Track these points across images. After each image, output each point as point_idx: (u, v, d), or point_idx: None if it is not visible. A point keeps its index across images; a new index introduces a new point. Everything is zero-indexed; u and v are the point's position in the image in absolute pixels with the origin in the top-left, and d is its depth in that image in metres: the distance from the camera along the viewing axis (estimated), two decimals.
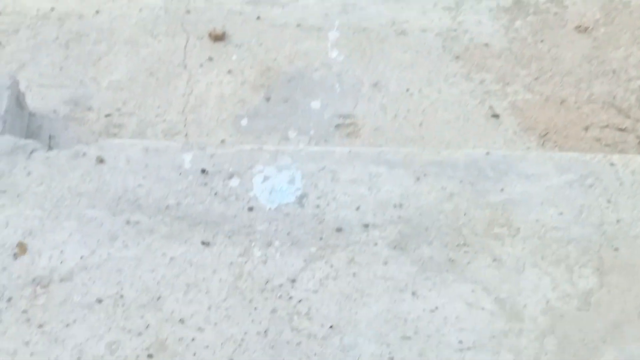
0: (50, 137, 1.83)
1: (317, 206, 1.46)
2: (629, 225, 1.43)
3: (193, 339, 1.32)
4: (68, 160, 1.49)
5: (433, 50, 2.03)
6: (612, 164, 1.49)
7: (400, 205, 1.46)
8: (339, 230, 1.44)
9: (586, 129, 1.84)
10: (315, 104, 1.91)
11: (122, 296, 1.36)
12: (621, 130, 1.83)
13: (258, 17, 2.10)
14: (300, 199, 1.47)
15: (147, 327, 1.34)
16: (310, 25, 2.09)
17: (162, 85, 1.93)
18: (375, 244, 1.42)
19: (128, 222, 1.43)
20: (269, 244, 1.42)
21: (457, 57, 2.01)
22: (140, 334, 1.33)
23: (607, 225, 1.44)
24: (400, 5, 2.15)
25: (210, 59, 2.00)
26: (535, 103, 1.90)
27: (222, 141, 1.79)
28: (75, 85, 1.94)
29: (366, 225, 1.45)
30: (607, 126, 1.84)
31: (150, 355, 1.30)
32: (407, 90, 1.95)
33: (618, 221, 1.44)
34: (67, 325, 1.34)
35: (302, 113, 1.89)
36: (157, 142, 1.55)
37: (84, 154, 1.50)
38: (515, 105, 1.90)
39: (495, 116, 1.88)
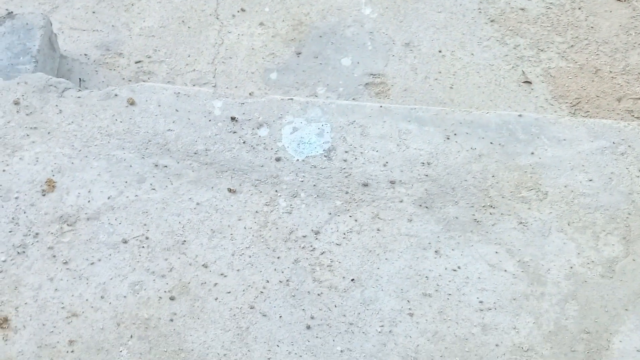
0: (80, 81, 1.83)
1: (345, 160, 1.46)
2: None
3: (215, 284, 1.34)
4: (100, 100, 1.50)
5: (468, 12, 2.00)
6: None
7: (428, 164, 1.46)
8: (365, 185, 1.44)
9: (619, 100, 1.81)
10: (346, 61, 1.90)
11: (147, 238, 1.38)
12: None
13: None
14: (328, 152, 1.47)
15: (171, 269, 1.35)
16: None
17: (193, 34, 1.92)
18: (401, 201, 1.42)
19: (156, 166, 1.44)
20: (295, 195, 1.42)
21: (492, 21, 1.98)
22: (163, 276, 1.34)
23: (636, 194, 1.42)
24: None
25: (243, 10, 1.98)
26: (568, 71, 1.87)
27: (251, 94, 1.78)
28: (107, 30, 1.94)
29: (393, 182, 1.44)
30: None
31: (172, 298, 1.32)
32: (440, 51, 1.92)
33: None
34: (92, 263, 1.35)
35: (332, 70, 1.88)
36: (189, 88, 1.55)
37: (116, 95, 1.51)
38: (548, 72, 1.87)
39: (528, 82, 1.86)
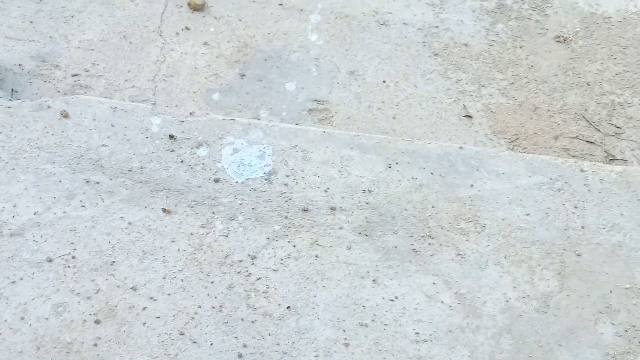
0: (12, 91, 1.75)
1: (285, 184, 1.43)
2: (593, 232, 1.44)
3: (144, 308, 1.28)
4: (31, 111, 1.43)
5: (413, 45, 2.02)
6: (582, 170, 1.50)
7: (370, 191, 1.44)
8: (305, 210, 1.41)
9: (556, 138, 1.85)
10: (290, 86, 1.88)
11: (74, 257, 1.31)
12: (590, 142, 1.84)
13: None
14: (269, 175, 1.44)
15: (98, 291, 1.29)
16: (292, 5, 2.06)
17: (134, 50, 1.87)
18: (341, 228, 1.40)
19: (88, 182, 1.38)
20: (233, 218, 1.39)
21: (436, 54, 2.00)
22: (89, 298, 1.28)
23: (571, 230, 1.44)
24: None
25: (187, 28, 1.95)
26: (508, 108, 1.91)
27: (192, 113, 1.74)
28: (44, 41, 1.87)
29: (333, 208, 1.42)
30: (576, 137, 1.85)
31: (97, 321, 1.26)
32: (384, 81, 1.93)
33: (583, 227, 1.44)
34: (13, 282, 1.28)
35: (275, 94, 1.85)
36: (126, 103, 1.50)
37: (49, 107, 1.44)
38: (488, 107, 1.90)
39: (468, 117, 1.88)
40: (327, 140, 1.48)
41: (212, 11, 2.00)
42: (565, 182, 1.48)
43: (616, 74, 2.00)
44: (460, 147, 1.52)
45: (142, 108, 1.47)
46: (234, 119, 1.47)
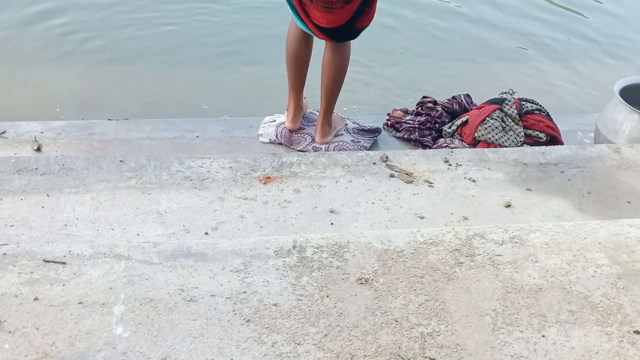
0: None
1: None
2: None
3: None
4: None
5: (223, 316, 2.02)
6: None
7: None
8: None
9: None
10: None
11: None
12: None
13: (36, 298, 1.99)
14: None
15: None
16: (93, 301, 2.01)
17: None
18: None
19: None
20: None
21: (248, 321, 2.01)
22: None
23: None
24: (188, 272, 2.15)
25: None
26: None
27: None
28: None
29: None
30: None
31: None
32: None
33: None
34: None
35: None
36: None
37: None
38: None
39: None
40: None
41: (5, 326, 1.89)
42: None
43: (419, 305, 2.10)
44: None
45: None
46: None
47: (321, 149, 3.64)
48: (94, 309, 1.98)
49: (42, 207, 2.65)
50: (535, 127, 3.69)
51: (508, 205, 2.90)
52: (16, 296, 1.99)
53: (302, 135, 3.74)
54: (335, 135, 3.75)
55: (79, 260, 2.13)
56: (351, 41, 3.45)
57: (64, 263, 2.11)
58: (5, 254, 2.12)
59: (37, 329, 1.90)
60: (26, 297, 1.98)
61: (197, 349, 1.91)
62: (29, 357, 1.83)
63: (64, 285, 2.04)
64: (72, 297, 2.00)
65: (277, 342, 1.96)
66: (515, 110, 3.70)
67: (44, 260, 2.11)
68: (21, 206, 2.65)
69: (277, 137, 3.77)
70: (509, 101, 3.74)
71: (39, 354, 1.84)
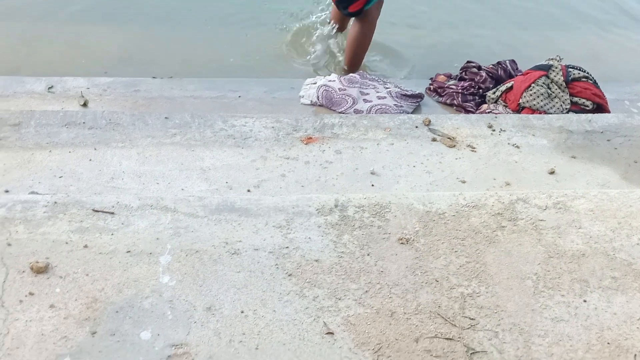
0: None
1: None
2: None
3: None
4: None
5: (266, 269, 2.05)
6: None
7: None
8: None
9: (417, 340, 1.88)
10: (145, 335, 1.83)
11: None
12: (449, 339, 1.89)
13: (85, 246, 2.05)
14: None
15: None
16: (140, 250, 2.06)
17: None
18: None
19: None
20: None
21: (290, 275, 2.04)
22: None
23: None
24: (232, 226, 2.19)
25: (32, 293, 1.89)
26: (367, 317, 1.94)
27: None
28: None
29: None
30: (435, 336, 1.89)
31: None
32: (242, 312, 1.92)
33: None
34: None
35: (130, 346, 1.80)
36: None
37: None
38: (348, 320, 1.93)
39: (330, 333, 1.89)
40: None
41: (56, 271, 1.96)
42: None
43: (460, 266, 2.10)
44: None
45: None
46: None
47: (362, 111, 3.63)
48: (141, 258, 2.03)
49: (90, 160, 2.71)
50: (582, 94, 3.62)
51: (552, 172, 2.86)
52: (67, 243, 2.05)
53: (344, 97, 3.74)
54: (379, 98, 3.74)
55: (126, 211, 2.19)
56: (376, 17, 3.93)
57: (113, 213, 2.16)
58: (56, 202, 2.18)
59: (87, 275, 1.96)
60: (76, 245, 2.05)
61: (241, 300, 1.95)
62: (79, 302, 1.89)
63: (112, 234, 2.10)
64: (120, 246, 2.06)
65: (318, 296, 1.99)
66: (562, 77, 3.63)
67: (93, 210, 2.17)
68: (69, 158, 2.71)
69: (318, 99, 3.76)
70: (556, 68, 3.67)
71: (88, 299, 1.90)
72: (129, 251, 2.05)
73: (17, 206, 2.15)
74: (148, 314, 1.88)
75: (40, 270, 1.93)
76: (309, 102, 3.79)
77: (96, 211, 2.17)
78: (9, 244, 2.01)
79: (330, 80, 3.82)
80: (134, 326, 1.85)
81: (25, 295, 1.88)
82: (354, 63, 4.11)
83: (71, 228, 2.10)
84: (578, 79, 3.67)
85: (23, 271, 1.94)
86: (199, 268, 2.03)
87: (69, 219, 2.13)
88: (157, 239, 2.10)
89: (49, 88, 3.60)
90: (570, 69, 3.70)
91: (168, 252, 2.06)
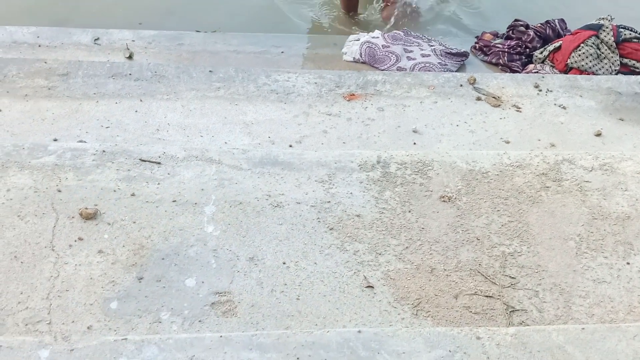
0: None
1: None
2: None
3: None
4: None
5: (308, 223, 2.08)
6: (478, 338, 1.53)
7: None
8: None
9: (456, 297, 1.89)
10: (190, 282, 1.88)
11: None
12: (488, 297, 1.90)
13: (133, 194, 2.09)
14: None
15: None
16: (186, 200, 2.10)
17: (26, 269, 1.85)
18: None
19: None
20: None
21: (332, 229, 2.06)
22: None
23: None
24: (275, 179, 2.22)
25: (81, 239, 1.95)
26: (406, 272, 1.96)
27: (89, 328, 1.70)
28: None
29: None
30: (475, 293, 1.90)
31: None
32: (284, 263, 1.96)
33: None
34: None
35: (176, 292, 1.85)
36: (11, 339, 1.45)
37: None
38: (388, 275, 1.95)
39: (370, 287, 1.91)
40: (225, 345, 1.47)
41: (104, 217, 2.01)
42: (464, 353, 1.51)
43: (502, 225, 2.10)
44: (359, 331, 1.53)
45: (29, 343, 1.42)
46: (125, 338, 1.45)
47: (405, 69, 3.59)
48: (186, 207, 2.08)
49: (136, 111, 2.75)
50: (632, 56, 3.52)
51: (598, 134, 2.81)
52: (115, 191, 2.10)
53: (387, 54, 3.70)
54: (422, 56, 3.69)
55: (172, 161, 2.22)
56: None
57: (159, 163, 2.21)
58: (104, 151, 2.23)
59: (134, 222, 2.02)
60: (124, 193, 2.10)
61: (283, 251, 1.99)
62: (126, 248, 1.95)
63: (159, 183, 2.14)
64: (166, 195, 2.10)
65: (358, 250, 2.01)
66: (612, 38, 3.53)
67: (140, 160, 2.21)
68: (116, 109, 2.76)
69: (361, 56, 3.73)
70: (606, 27, 3.57)
71: (135, 245, 1.95)
72: (175, 200, 2.09)
73: (67, 154, 2.21)
74: (193, 261, 1.93)
75: (89, 216, 1.99)
76: (351, 59, 3.77)
77: (143, 161, 2.21)
78: (59, 190, 2.07)
79: (373, 37, 3.78)
80: (179, 273, 1.90)
81: (75, 240, 1.94)
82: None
83: (119, 176, 2.15)
84: (629, 40, 3.57)
85: (72, 217, 2.00)
86: (242, 219, 2.07)
87: (117, 168, 2.18)
88: (202, 189, 2.14)
89: (95, 40, 3.63)
90: (622, 29, 3.59)
91: (212, 202, 2.10)
